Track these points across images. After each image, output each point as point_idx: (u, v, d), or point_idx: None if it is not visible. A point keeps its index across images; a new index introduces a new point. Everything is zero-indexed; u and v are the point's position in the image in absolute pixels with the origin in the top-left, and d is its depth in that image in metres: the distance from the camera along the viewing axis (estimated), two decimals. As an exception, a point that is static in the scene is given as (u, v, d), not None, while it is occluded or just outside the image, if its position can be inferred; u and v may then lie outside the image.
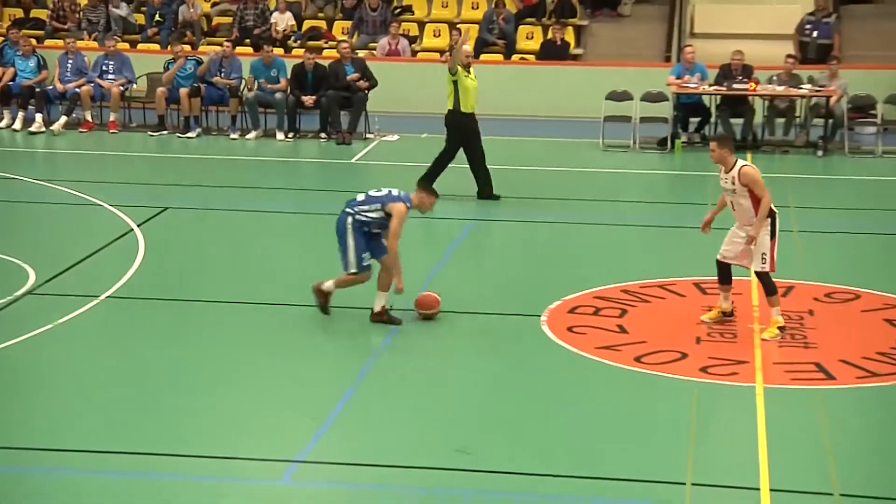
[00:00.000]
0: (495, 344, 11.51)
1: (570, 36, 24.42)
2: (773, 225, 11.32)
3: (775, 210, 11.36)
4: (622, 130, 21.07)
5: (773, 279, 11.38)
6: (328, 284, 11.86)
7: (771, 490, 8.42)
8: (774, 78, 20.87)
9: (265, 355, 11.05)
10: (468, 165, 17.01)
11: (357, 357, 11.06)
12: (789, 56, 21.55)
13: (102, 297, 12.46)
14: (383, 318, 11.74)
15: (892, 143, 20.19)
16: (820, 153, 20.12)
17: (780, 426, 9.54)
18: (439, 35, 25.30)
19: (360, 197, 11.77)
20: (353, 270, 11.71)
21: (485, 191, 16.98)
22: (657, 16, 25.41)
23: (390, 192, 11.75)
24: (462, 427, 9.55)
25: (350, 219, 11.63)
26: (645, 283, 13.08)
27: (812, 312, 12.08)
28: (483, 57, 24.05)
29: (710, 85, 20.83)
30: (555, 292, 12.65)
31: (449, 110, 16.78)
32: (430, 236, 15.35)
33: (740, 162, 11.38)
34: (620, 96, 21.51)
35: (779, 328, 11.35)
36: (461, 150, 16.89)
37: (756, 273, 11.53)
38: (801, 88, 20.55)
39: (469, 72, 16.66)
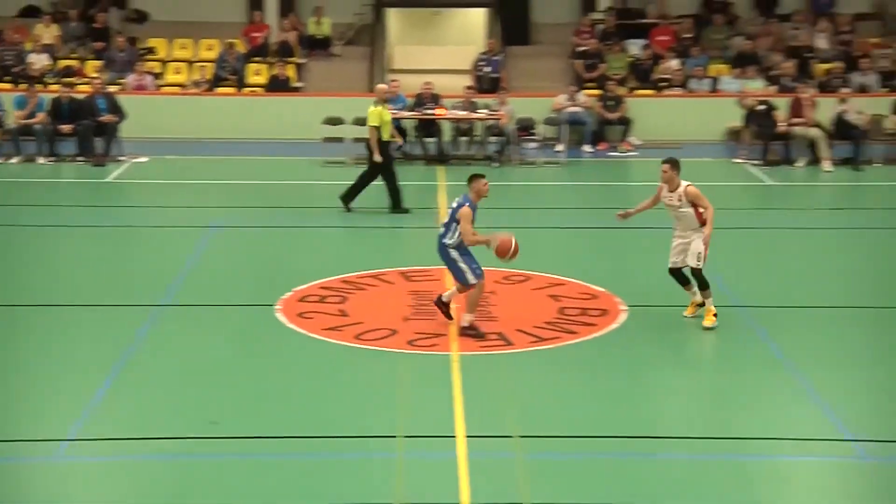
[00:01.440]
0: (237, 330, 11.40)
1: (291, 72, 24.35)
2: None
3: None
4: (338, 149, 21.21)
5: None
6: (467, 318, 10.98)
7: (466, 437, 8.68)
8: (458, 104, 21.42)
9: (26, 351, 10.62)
10: (384, 184, 16.60)
11: (116, 347, 10.72)
12: (468, 87, 22.23)
13: None
14: (470, 332, 10.97)
15: (550, 155, 21.02)
16: (496, 164, 20.71)
17: (472, 385, 9.79)
18: (180, 72, 24.83)
19: (441, 229, 11.10)
20: (473, 281, 10.93)
21: (397, 205, 16.61)
22: (362, 55, 25.67)
23: (453, 207, 11.07)
24: (213, 402, 9.44)
25: (448, 249, 10.98)
26: (361, 273, 13.20)
27: (494, 292, 12.46)
28: (219, 90, 23.78)
29: (409, 110, 21.18)
30: (287, 285, 12.62)
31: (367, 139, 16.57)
32: (174, 242, 15.07)
33: (684, 182, 11.33)
34: (335, 121, 21.68)
35: (714, 315, 11.20)
36: (374, 170, 16.54)
37: (691, 269, 11.33)
38: (478, 112, 21.19)
39: (384, 106, 16.53)
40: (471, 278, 10.96)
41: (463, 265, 10.99)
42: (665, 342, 11.03)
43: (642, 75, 23.63)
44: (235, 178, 17.95)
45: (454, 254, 11.02)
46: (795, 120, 20.46)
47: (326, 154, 21.16)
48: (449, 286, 11.66)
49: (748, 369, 10.40)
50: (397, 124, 21.06)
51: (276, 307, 11.89)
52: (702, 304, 11.48)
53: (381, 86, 17.39)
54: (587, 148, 22.06)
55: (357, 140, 21.12)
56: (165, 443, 8.65)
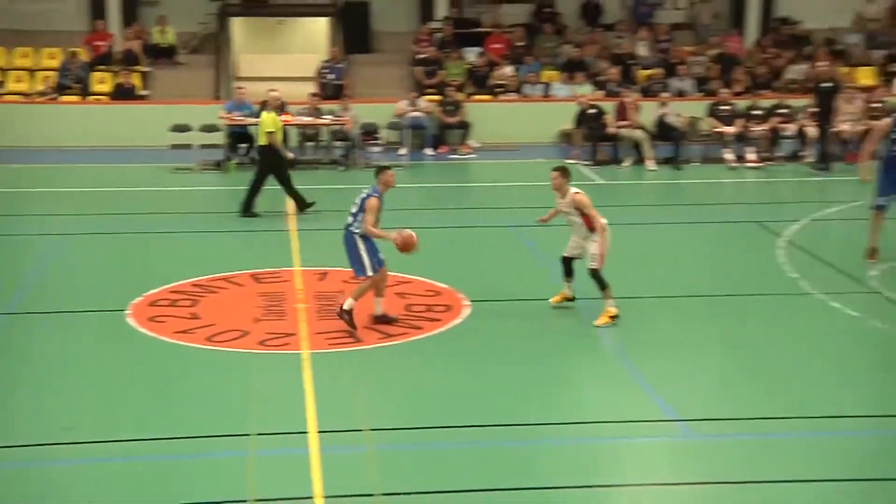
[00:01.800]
0: (87, 336, 11.06)
1: (137, 80, 23.74)
2: (603, 230, 11.31)
3: (605, 223, 11.37)
4: (186, 156, 20.79)
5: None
6: (349, 302, 10.90)
7: (318, 432, 8.62)
8: (303, 110, 21.26)
9: None
10: (281, 186, 16.43)
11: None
12: (313, 94, 22.06)
13: None
14: (346, 317, 10.92)
15: (393, 158, 21.07)
16: (341, 168, 20.65)
17: (323, 381, 9.73)
18: (21, 80, 23.93)
19: (349, 218, 11.02)
20: (369, 273, 10.95)
21: (300, 204, 16.44)
22: (207, 63, 25.21)
23: (362, 197, 11.03)
24: (65, 408, 9.13)
25: (355, 237, 10.95)
26: (212, 277, 12.97)
27: (343, 292, 12.40)
28: (64, 98, 23.01)
29: (255, 117, 20.88)
30: (137, 290, 12.30)
31: (262, 145, 16.35)
32: (21, 251, 14.52)
33: (573, 189, 11.27)
34: (182, 128, 21.25)
35: (611, 317, 11.20)
36: (269, 172, 16.35)
37: (589, 270, 11.32)
38: (323, 118, 21.07)
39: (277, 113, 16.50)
40: (368, 272, 11.00)
41: (364, 255, 11.00)
42: (506, 335, 11.16)
43: (479, 81, 23.90)
44: (83, 185, 17.43)
45: (360, 243, 11.02)
46: (621, 122, 21.02)
47: (174, 161, 20.71)
48: (298, 286, 11.54)
49: (583, 358, 10.64)
50: (244, 131, 20.85)
51: (127, 312, 11.57)
52: (571, 299, 11.73)
53: (273, 93, 17.34)
54: (428, 151, 22.19)
55: (204, 146, 20.81)
56: (18, 451, 8.31)
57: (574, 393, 9.78)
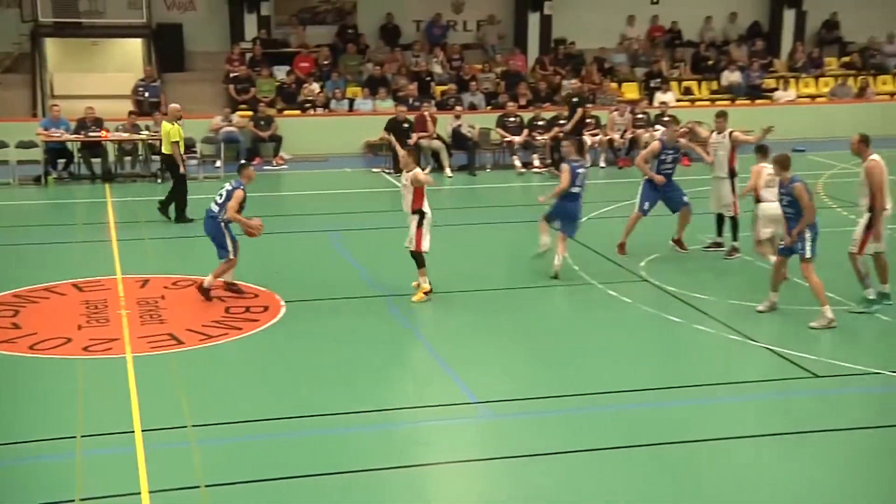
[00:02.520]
0: None
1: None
2: (421, 217, 11.78)
3: (426, 209, 11.82)
4: (4, 171, 19.66)
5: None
6: (208, 280, 11.76)
7: (143, 431, 8.33)
8: (121, 127, 20.47)
9: None
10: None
11: None
12: (131, 111, 21.28)
13: None
14: (204, 294, 11.82)
15: (210, 171, 20.58)
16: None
17: (147, 383, 9.42)
18: None
19: (215, 208, 11.82)
20: (232, 257, 11.85)
21: (178, 214, 16.29)
22: (23, 82, 23.97)
23: (227, 189, 11.89)
24: None
25: (221, 223, 11.82)
26: (32, 287, 12.33)
27: (164, 297, 12.05)
28: None
29: (72, 134, 20.02)
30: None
31: (164, 154, 16.61)
32: None
33: (417, 169, 11.79)
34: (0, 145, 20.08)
35: (425, 293, 11.86)
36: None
37: (410, 251, 11.88)
38: (140, 134, 20.35)
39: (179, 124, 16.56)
40: (231, 255, 11.86)
41: (228, 240, 11.87)
42: (320, 331, 11.08)
43: (289, 98, 23.63)
44: None
45: (224, 228, 11.88)
46: (421, 134, 21.20)
47: (-8, 177, 19.57)
48: (120, 293, 11.11)
49: (391, 349, 10.66)
50: (63, 147, 19.91)
51: (-52, 325, 10.86)
52: (430, 292, 12.02)
53: (174, 105, 17.24)
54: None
55: (21, 162, 19.78)
56: None
57: (384, 382, 9.78)
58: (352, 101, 23.74)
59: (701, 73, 26.59)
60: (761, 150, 13.02)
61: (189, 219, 16.01)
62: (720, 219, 14.34)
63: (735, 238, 14.07)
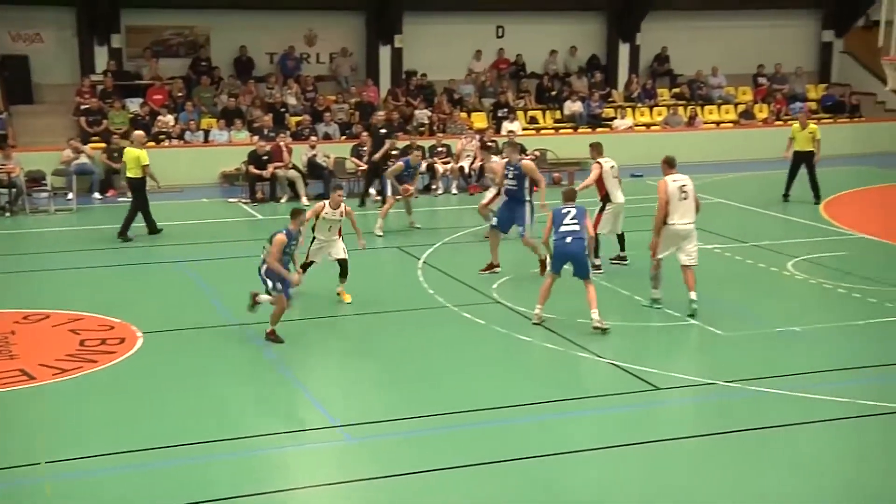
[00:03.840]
0: None
1: None
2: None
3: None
4: None
5: None
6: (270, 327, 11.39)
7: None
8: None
9: None
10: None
11: None
12: (-18, 144, 20.29)
13: None
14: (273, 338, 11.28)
15: (62, 203, 19.86)
16: (8, 214, 19.17)
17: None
18: None
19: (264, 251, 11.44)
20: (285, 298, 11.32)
21: (152, 228, 17.22)
22: None
23: (274, 233, 11.38)
24: None
25: (259, 269, 11.43)
26: None
27: (14, 332, 11.53)
28: None
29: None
30: None
31: (130, 178, 17.09)
32: None
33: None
34: None
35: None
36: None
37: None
38: (-12, 167, 19.44)
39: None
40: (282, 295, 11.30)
41: (275, 282, 11.28)
42: (178, 361, 10.81)
43: (143, 129, 22.98)
44: None
45: (263, 274, 11.35)
46: (277, 163, 20.99)
47: None
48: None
49: (252, 375, 10.48)
50: None
51: None
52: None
53: (138, 132, 18.08)
54: (97, 195, 21.08)
55: None
56: None
57: (244, 409, 9.60)
58: (207, 133, 23.34)
59: (545, 103, 27.30)
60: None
61: (129, 237, 16.77)
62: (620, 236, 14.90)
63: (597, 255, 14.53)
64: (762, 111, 28.38)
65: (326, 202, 13.07)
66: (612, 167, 14.57)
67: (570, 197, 12.24)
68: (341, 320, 12.47)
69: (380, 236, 16.75)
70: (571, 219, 11.87)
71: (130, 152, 17.15)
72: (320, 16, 26.74)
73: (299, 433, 8.99)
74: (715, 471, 8.35)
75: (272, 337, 11.28)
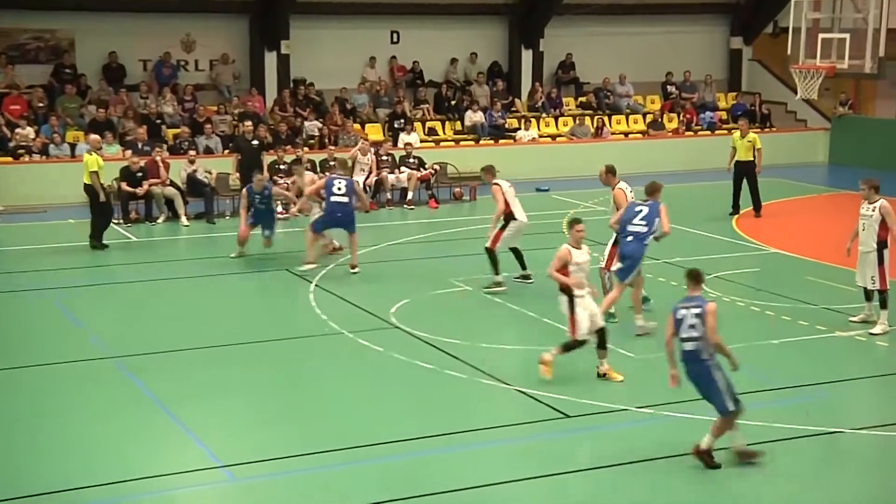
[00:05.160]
0: None
1: None
2: None
3: None
4: None
5: None
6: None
7: None
8: None
9: None
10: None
11: None
12: None
13: None
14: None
15: None
16: None
17: None
18: None
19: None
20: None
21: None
22: None
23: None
24: None
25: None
26: None
27: None
28: None
29: None
30: None
31: (85, 183, 17.66)
32: None
33: None
34: None
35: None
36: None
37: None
38: None
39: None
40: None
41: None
42: (45, 399, 10.50)
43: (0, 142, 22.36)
44: None
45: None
46: (153, 180, 20.61)
47: None
48: None
49: (127, 414, 10.24)
50: None
51: None
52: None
53: (93, 137, 18.97)
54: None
55: None
56: None
57: (120, 451, 9.36)
58: (73, 146, 22.77)
59: (444, 114, 27.49)
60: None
61: (104, 245, 17.52)
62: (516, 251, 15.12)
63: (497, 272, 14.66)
64: (671, 121, 29.13)
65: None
66: (511, 186, 14.85)
67: (651, 191, 12.78)
68: (226, 350, 12.29)
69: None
70: (640, 218, 12.58)
71: (85, 157, 17.93)
72: (199, 19, 26.41)
73: (180, 475, 8.81)
74: (622, 500, 8.48)
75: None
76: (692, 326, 9.02)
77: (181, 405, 10.40)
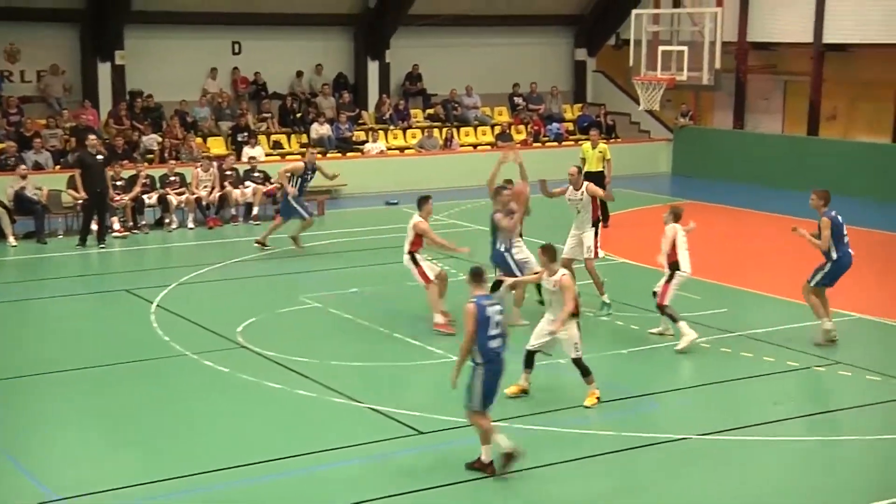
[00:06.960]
0: None
1: None
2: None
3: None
4: None
5: None
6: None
7: None
8: None
9: None
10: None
11: None
12: None
13: None
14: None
15: None
16: None
17: None
18: None
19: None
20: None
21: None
22: None
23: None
24: None
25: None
26: None
27: None
28: None
29: None
30: None
31: None
32: None
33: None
34: None
35: (597, 398, 10.96)
36: None
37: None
38: None
39: None
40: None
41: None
42: None
43: None
44: None
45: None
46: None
47: None
48: None
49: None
50: None
51: None
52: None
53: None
54: None
55: None
56: None
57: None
58: None
59: (290, 127, 27.25)
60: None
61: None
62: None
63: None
64: (520, 133, 29.64)
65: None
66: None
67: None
68: (58, 377, 11.84)
69: None
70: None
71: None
72: (24, 28, 25.39)
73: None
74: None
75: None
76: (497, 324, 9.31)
77: (10, 435, 9.97)
